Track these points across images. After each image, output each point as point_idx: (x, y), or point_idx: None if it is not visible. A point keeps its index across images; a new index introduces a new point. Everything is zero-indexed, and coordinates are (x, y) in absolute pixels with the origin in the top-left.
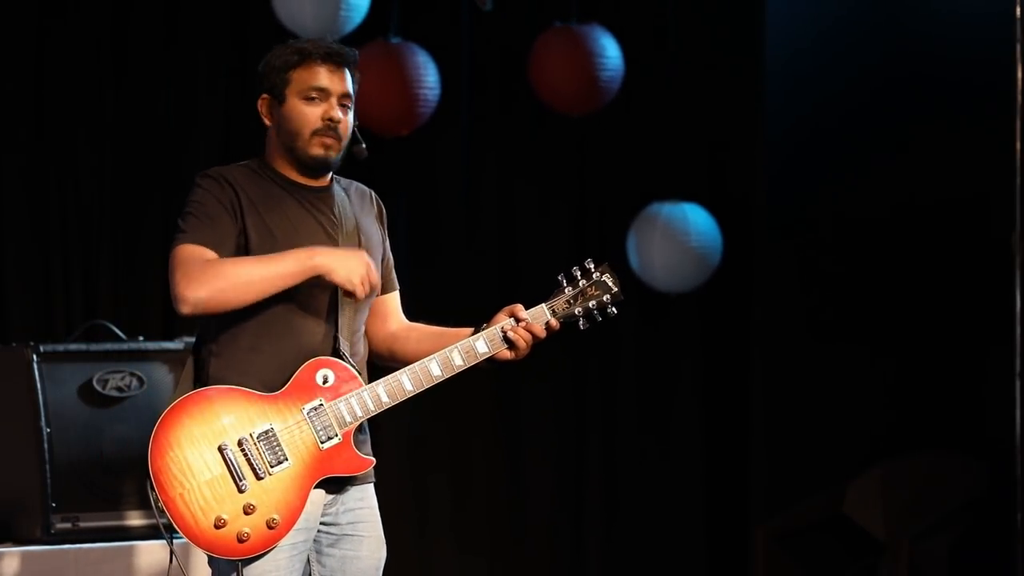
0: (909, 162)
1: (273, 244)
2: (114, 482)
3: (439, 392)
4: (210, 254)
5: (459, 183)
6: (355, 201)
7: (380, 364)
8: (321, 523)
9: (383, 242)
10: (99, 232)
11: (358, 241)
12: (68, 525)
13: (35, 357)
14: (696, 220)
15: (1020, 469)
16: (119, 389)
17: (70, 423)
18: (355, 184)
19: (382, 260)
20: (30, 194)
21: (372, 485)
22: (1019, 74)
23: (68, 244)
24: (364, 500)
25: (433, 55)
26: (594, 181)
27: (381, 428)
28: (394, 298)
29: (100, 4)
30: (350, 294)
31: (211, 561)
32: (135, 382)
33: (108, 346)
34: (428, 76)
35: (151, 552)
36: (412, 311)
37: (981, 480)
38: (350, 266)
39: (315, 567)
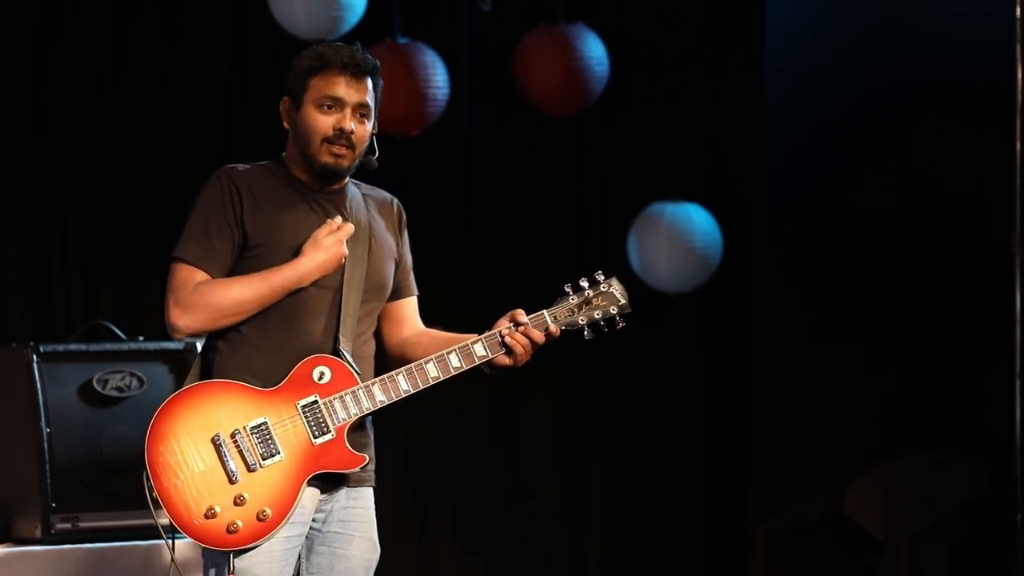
0: (909, 162)
1: (274, 243)
2: (114, 482)
3: (441, 399)
4: (200, 275)
5: (459, 183)
6: (372, 206)
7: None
8: (314, 520)
9: (398, 247)
10: (99, 232)
11: (368, 244)
12: (68, 525)
13: (35, 357)
14: (700, 220)
15: (1020, 469)
16: (119, 389)
17: (70, 423)
18: (378, 191)
19: (397, 266)
20: (30, 194)
21: (371, 489)
22: (1019, 74)
23: (68, 244)
24: (359, 501)
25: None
26: (594, 181)
27: (383, 434)
28: (409, 304)
29: (100, 5)
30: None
31: (204, 552)
32: (135, 382)
33: (108, 346)
34: (437, 76)
35: (151, 552)
36: None
37: (981, 480)
38: (317, 260)
39: (303, 564)
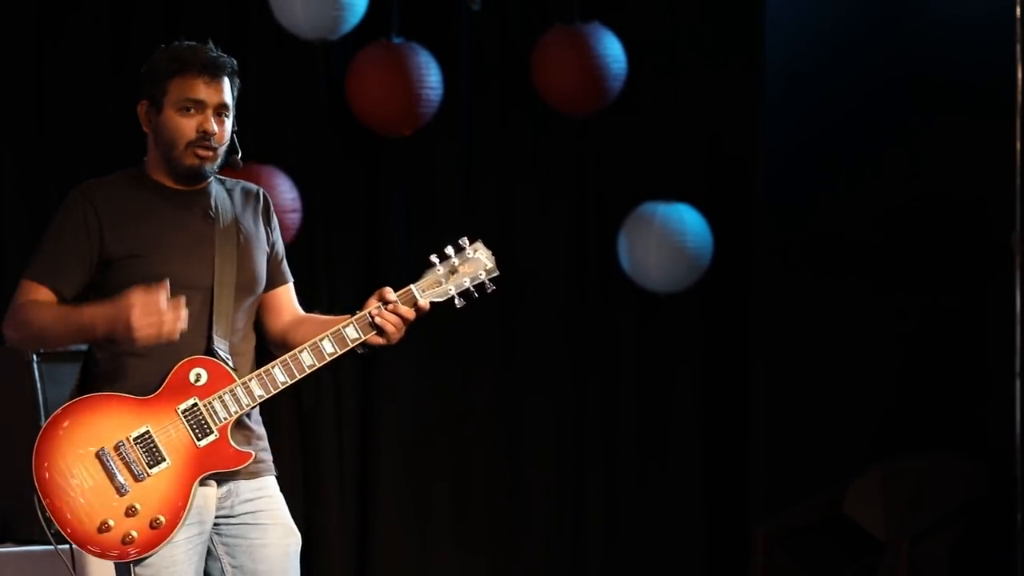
0: (909, 162)
1: (146, 250)
2: None
3: (440, 397)
4: (42, 292)
5: (459, 183)
6: (238, 200)
7: (279, 357)
8: (218, 517)
9: (269, 237)
10: None
11: (236, 238)
12: None
13: (35, 357)
14: (691, 221)
15: (1020, 469)
16: None
17: None
18: (242, 183)
19: (269, 256)
20: (30, 194)
21: (273, 477)
22: (1019, 74)
23: None
24: (263, 490)
25: (433, 56)
26: (594, 181)
27: (382, 435)
28: (286, 291)
29: (100, 4)
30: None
31: (115, 565)
32: None
33: None
34: (430, 76)
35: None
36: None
37: (981, 480)
38: (124, 332)
39: (225, 559)
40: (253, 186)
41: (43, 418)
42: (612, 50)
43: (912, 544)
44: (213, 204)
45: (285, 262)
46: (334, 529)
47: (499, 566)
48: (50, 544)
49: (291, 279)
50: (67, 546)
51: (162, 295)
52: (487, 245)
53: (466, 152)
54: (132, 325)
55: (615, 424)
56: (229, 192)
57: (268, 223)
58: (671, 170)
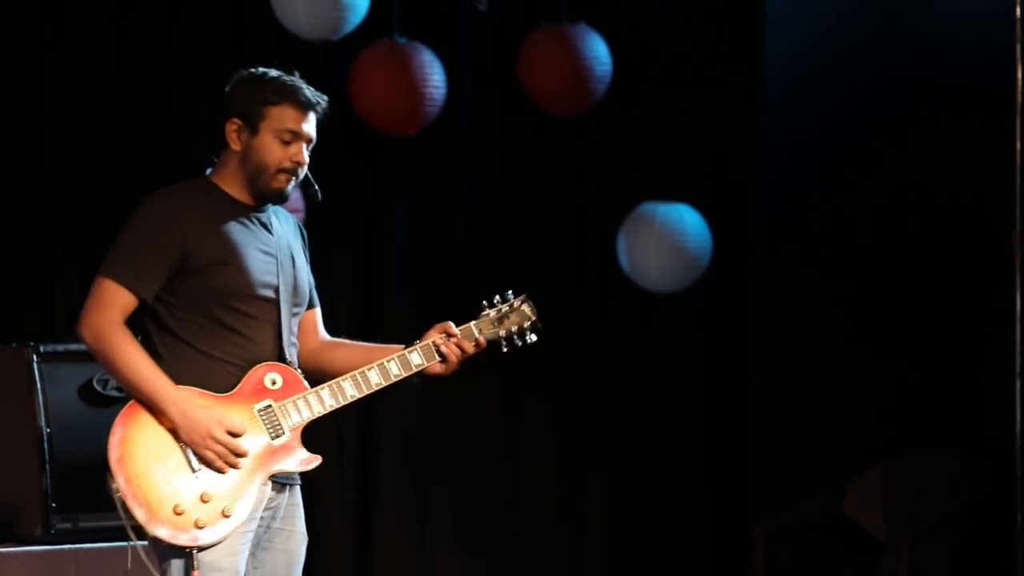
0: (909, 162)
1: (230, 260)
2: None
3: (441, 397)
4: (124, 295)
5: (459, 184)
6: (283, 222)
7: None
8: (261, 516)
9: (306, 260)
10: (99, 232)
11: (291, 255)
12: (68, 525)
13: (35, 357)
14: (691, 221)
15: (1020, 469)
16: (119, 389)
17: (70, 423)
18: (280, 210)
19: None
20: (30, 194)
21: (299, 485)
22: (1019, 74)
23: (68, 244)
24: (293, 498)
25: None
26: (594, 182)
27: (382, 436)
28: (316, 314)
29: (101, 7)
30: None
31: (160, 549)
32: None
33: None
34: (434, 75)
35: (150, 553)
36: (412, 313)
37: (981, 480)
38: (193, 433)
39: (248, 559)
40: (290, 214)
41: (43, 418)
42: (597, 52)
43: (912, 544)
44: (271, 222)
45: (314, 287)
46: (333, 531)
47: (499, 567)
48: (52, 545)
49: (319, 304)
50: (144, 542)
51: (242, 430)
52: (530, 299)
53: (466, 152)
54: (210, 434)
55: (615, 424)
56: (274, 215)
57: (304, 248)
58: (671, 171)
